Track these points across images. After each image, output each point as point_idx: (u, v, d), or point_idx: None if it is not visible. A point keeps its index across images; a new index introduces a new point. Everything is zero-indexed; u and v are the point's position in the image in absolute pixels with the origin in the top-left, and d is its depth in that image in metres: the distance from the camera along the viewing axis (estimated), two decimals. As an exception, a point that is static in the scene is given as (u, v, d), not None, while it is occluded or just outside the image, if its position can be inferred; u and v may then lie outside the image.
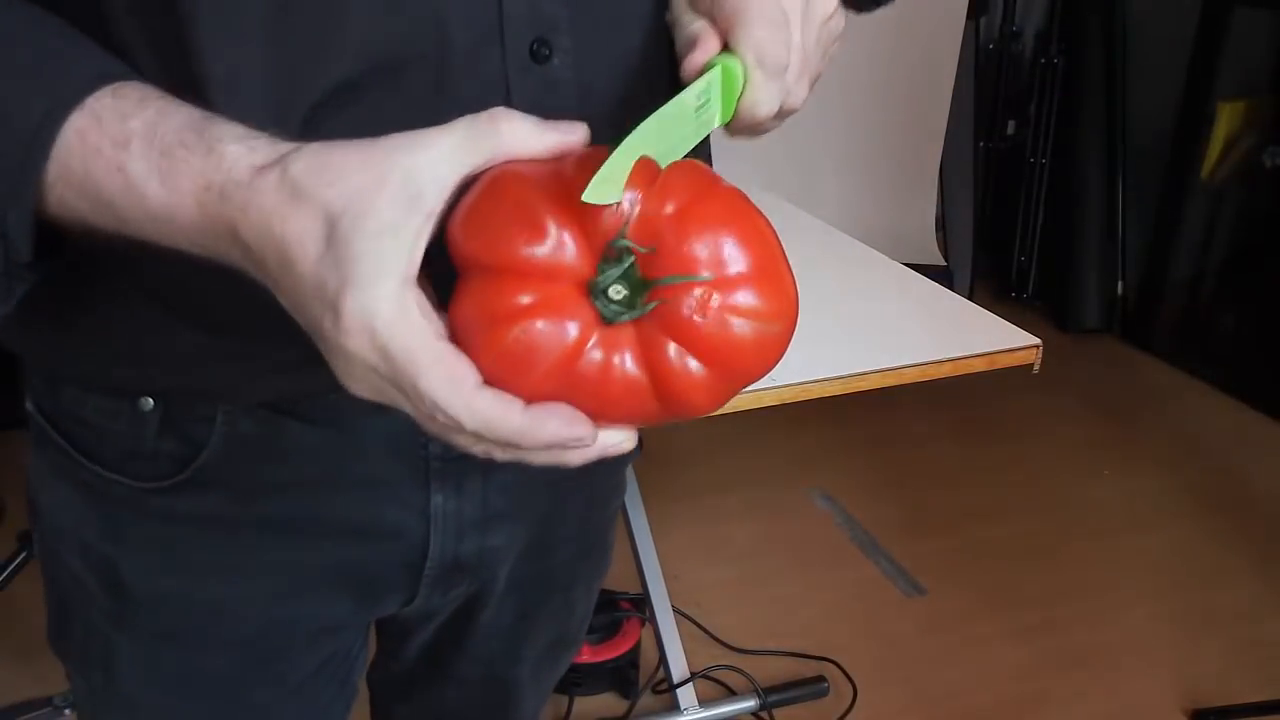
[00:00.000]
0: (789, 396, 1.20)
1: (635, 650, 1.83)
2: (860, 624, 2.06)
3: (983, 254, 3.32)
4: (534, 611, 0.78)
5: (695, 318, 0.41)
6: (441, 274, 0.42)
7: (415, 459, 0.63)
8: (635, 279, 0.42)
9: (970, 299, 1.58)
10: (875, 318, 1.39)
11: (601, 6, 0.53)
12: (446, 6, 0.49)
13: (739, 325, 0.42)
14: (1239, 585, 2.20)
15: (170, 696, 0.67)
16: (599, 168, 0.40)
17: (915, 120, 3.14)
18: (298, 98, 0.48)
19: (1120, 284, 3.26)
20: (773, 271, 0.43)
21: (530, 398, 0.42)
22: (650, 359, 0.42)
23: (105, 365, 0.58)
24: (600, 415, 0.43)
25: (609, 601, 1.84)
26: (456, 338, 0.41)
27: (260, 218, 0.41)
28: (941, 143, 3.18)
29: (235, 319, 0.54)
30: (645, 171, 0.42)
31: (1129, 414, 2.86)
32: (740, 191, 0.44)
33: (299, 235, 0.40)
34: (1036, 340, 1.32)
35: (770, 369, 0.44)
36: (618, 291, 0.41)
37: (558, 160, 0.43)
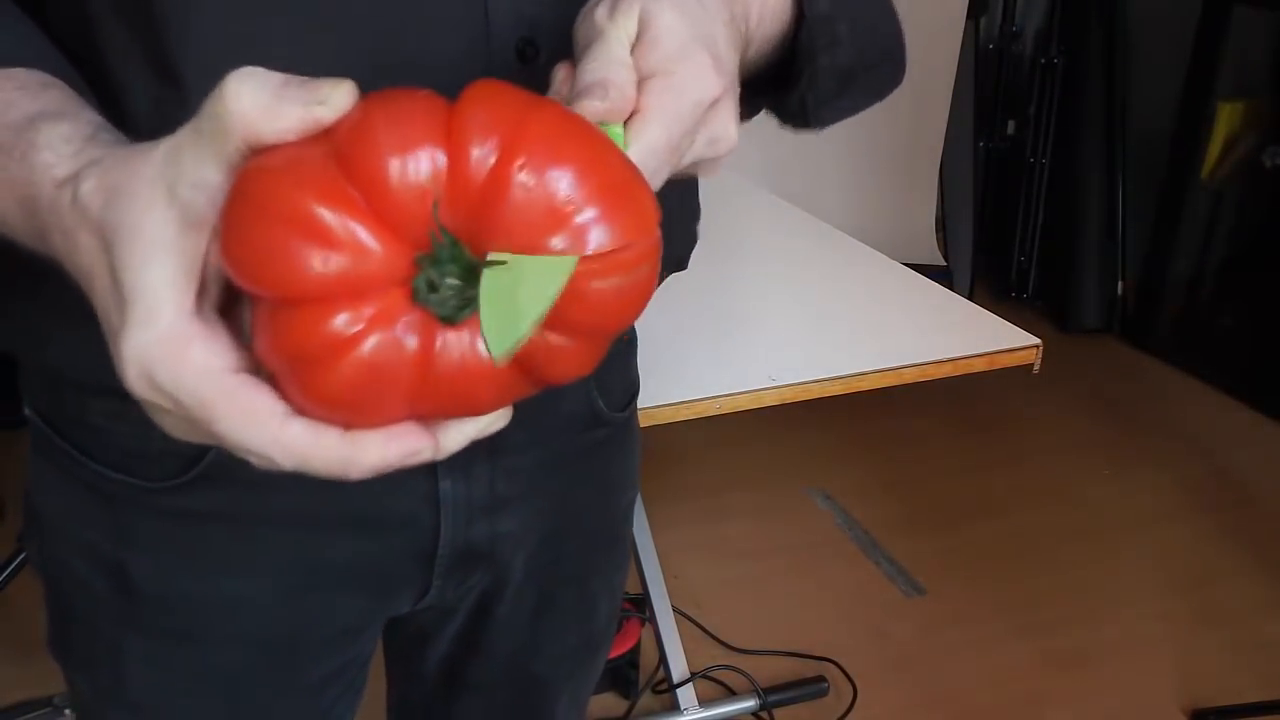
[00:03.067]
0: (789, 396, 1.20)
1: (635, 650, 1.83)
2: (860, 624, 2.06)
3: (983, 254, 3.32)
4: (552, 605, 0.77)
5: None
6: None
7: None
8: (465, 261, 0.35)
9: (970, 299, 1.58)
10: (875, 318, 1.39)
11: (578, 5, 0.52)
12: (432, 9, 0.49)
13: (597, 286, 0.35)
14: (1239, 585, 2.20)
15: (181, 695, 0.67)
16: (378, 129, 0.33)
17: (915, 120, 3.14)
18: None
19: (1120, 284, 3.26)
20: (624, 198, 0.35)
21: (390, 423, 0.36)
22: None
23: (107, 369, 0.58)
24: (472, 410, 0.38)
25: (609, 601, 1.85)
26: (270, 375, 0.36)
27: (63, 241, 0.39)
28: (941, 143, 3.18)
29: None
30: (432, 117, 0.34)
31: (1129, 414, 2.86)
32: (553, 102, 0.37)
33: (90, 263, 0.37)
34: (1036, 340, 1.32)
35: (640, 312, 0.37)
36: (450, 287, 0.34)
37: (326, 132, 0.34)
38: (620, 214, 0.35)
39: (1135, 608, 2.13)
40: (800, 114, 0.60)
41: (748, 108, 0.62)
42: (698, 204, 0.71)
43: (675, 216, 0.68)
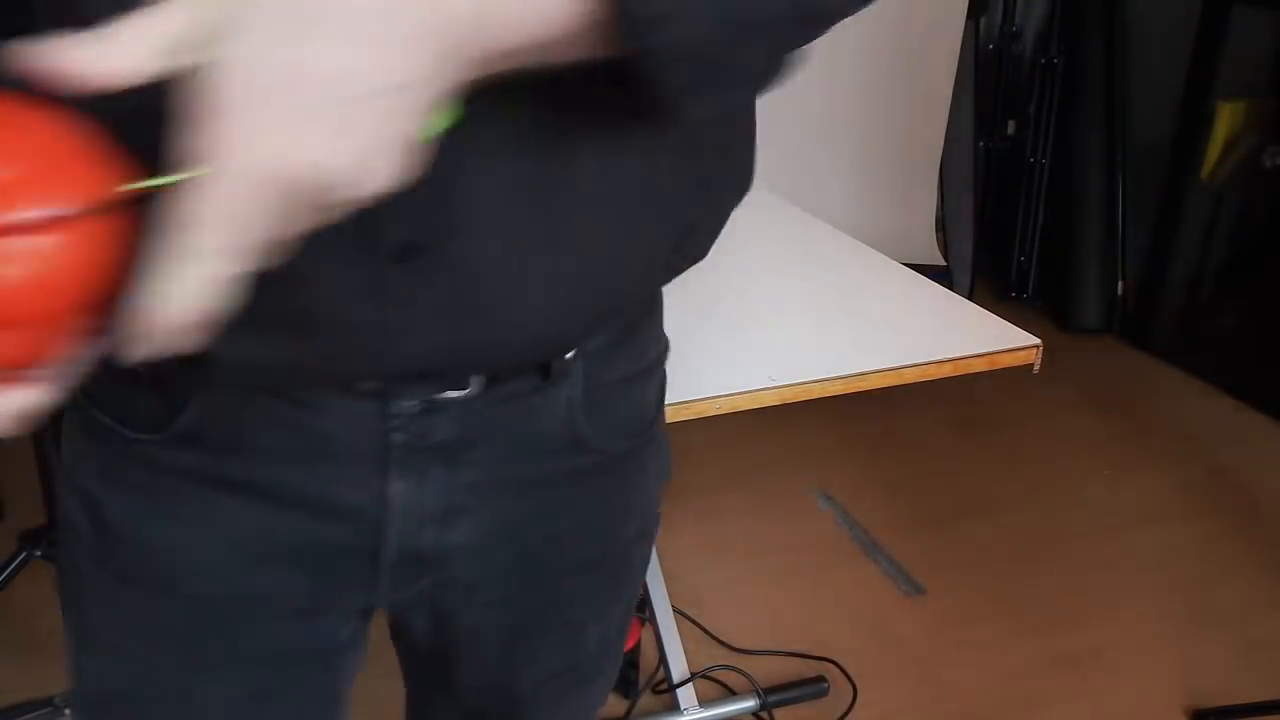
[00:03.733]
0: (789, 396, 1.20)
1: (635, 650, 1.83)
2: (860, 624, 2.06)
3: (983, 254, 3.32)
4: (527, 628, 0.75)
5: None
6: None
7: (378, 444, 0.62)
8: None
9: (970, 299, 1.58)
10: (875, 318, 1.39)
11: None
12: None
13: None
14: (1239, 585, 2.20)
15: (135, 639, 0.69)
16: None
17: (915, 120, 3.14)
18: None
19: (1120, 284, 3.26)
20: (46, 169, 0.34)
21: None
22: None
23: None
24: None
25: (609, 601, 1.85)
26: None
27: None
28: (941, 143, 3.18)
29: None
30: None
31: (1129, 413, 2.86)
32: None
33: None
34: (1036, 340, 1.32)
35: (57, 298, 0.36)
36: None
37: None
38: (33, 187, 0.34)
39: (1136, 608, 2.13)
40: (671, 111, 0.44)
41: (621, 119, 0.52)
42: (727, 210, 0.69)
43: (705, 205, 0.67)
